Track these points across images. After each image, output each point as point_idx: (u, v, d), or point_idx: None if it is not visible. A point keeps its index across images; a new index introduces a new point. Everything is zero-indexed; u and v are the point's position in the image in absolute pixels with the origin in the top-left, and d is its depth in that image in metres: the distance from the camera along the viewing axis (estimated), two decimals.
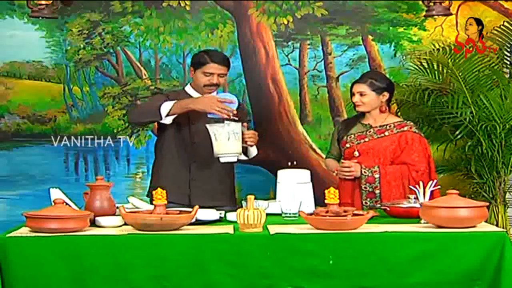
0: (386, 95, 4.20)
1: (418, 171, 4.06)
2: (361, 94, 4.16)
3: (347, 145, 4.22)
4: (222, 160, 3.94)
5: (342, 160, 4.18)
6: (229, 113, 3.91)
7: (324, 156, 5.38)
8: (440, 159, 5.18)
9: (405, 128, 4.18)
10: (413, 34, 5.46)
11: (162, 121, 3.98)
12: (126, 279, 3.07)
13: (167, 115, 3.94)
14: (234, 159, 3.95)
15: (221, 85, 4.20)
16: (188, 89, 4.24)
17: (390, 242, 3.13)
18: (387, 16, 5.45)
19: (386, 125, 4.20)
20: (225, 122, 3.89)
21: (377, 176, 4.06)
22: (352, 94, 4.21)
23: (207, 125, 3.94)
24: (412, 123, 4.25)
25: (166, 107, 3.94)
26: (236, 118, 3.96)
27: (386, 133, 4.18)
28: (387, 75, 5.28)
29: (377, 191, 4.06)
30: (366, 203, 4.09)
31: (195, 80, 4.19)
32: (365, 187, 4.08)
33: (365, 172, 4.07)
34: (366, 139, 4.19)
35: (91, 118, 5.49)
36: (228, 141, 3.88)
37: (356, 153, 4.17)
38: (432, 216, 3.23)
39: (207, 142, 3.96)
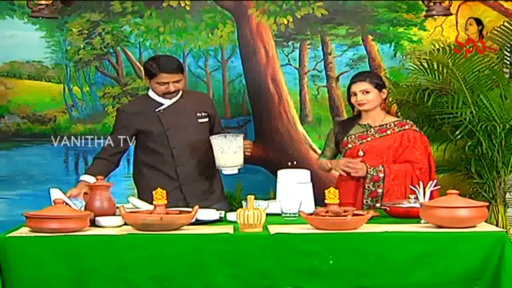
0: (385, 92, 4.21)
1: (421, 169, 4.08)
2: (364, 92, 4.16)
3: (349, 146, 4.21)
4: (225, 172, 4.00)
5: (349, 159, 4.14)
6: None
7: None
8: (440, 159, 5.18)
9: (406, 127, 4.20)
10: (413, 34, 5.45)
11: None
12: (126, 279, 3.07)
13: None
14: (236, 171, 4.02)
15: (180, 89, 4.18)
16: (152, 94, 4.24)
17: (390, 242, 3.13)
18: (387, 16, 5.45)
19: (386, 124, 4.21)
20: (232, 136, 3.96)
21: (381, 175, 4.06)
22: (353, 94, 4.21)
23: (212, 138, 3.97)
24: (411, 122, 4.26)
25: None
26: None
27: (388, 132, 4.18)
28: (387, 75, 5.31)
29: (380, 190, 4.06)
30: (367, 202, 4.09)
31: (153, 89, 4.18)
32: (368, 187, 4.08)
33: (370, 171, 4.06)
34: (369, 139, 4.19)
35: (91, 118, 5.49)
36: (234, 154, 3.95)
37: (361, 153, 4.16)
38: (432, 216, 3.23)
39: (186, 146, 4.10)
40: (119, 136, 4.19)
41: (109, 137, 4.26)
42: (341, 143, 4.27)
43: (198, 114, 4.23)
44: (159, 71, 4.07)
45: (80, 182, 3.97)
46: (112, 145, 4.20)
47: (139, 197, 4.14)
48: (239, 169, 4.03)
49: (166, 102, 4.20)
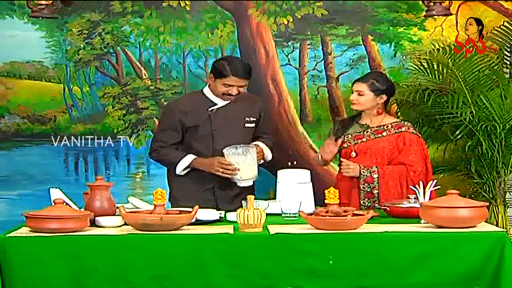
0: (384, 97, 4.21)
1: (415, 172, 4.07)
2: (359, 94, 4.18)
3: (344, 145, 4.24)
4: (241, 184, 4.03)
5: (341, 159, 4.18)
6: (232, 173, 4.01)
7: None
8: (440, 159, 5.18)
9: (403, 129, 4.19)
10: (413, 34, 5.45)
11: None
12: (126, 279, 3.07)
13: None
14: (251, 183, 4.06)
15: (240, 92, 4.15)
16: (207, 92, 4.20)
17: (390, 242, 3.13)
18: (387, 16, 5.45)
19: (384, 125, 4.21)
20: (244, 148, 3.98)
21: (375, 176, 4.06)
22: (352, 92, 4.23)
23: (227, 153, 3.98)
24: (409, 124, 4.26)
25: (181, 166, 4.13)
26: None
27: (384, 134, 4.19)
28: (387, 75, 5.30)
29: (376, 191, 4.06)
30: (364, 203, 4.09)
31: (213, 88, 4.14)
32: (363, 187, 4.09)
33: (363, 172, 4.07)
34: (364, 139, 4.20)
35: (91, 118, 5.49)
36: (250, 167, 4.00)
37: (353, 154, 4.17)
38: (432, 216, 3.23)
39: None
40: (168, 134, 4.18)
41: (157, 136, 4.26)
42: None
43: (247, 119, 4.22)
44: (231, 73, 4.05)
45: (192, 160, 4.10)
46: (164, 142, 4.20)
47: (170, 197, 4.17)
48: (253, 181, 4.06)
49: (220, 103, 4.18)
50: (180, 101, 4.38)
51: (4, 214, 5.30)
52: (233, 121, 4.17)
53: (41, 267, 3.05)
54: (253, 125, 4.25)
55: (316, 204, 3.80)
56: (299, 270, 3.10)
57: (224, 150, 3.99)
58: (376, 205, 3.98)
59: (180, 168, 4.13)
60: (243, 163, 3.97)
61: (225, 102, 4.17)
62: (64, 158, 5.47)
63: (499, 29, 5.31)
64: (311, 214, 3.32)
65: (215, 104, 4.17)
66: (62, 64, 5.44)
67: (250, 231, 3.18)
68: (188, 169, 4.15)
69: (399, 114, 5.09)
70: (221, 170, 4.01)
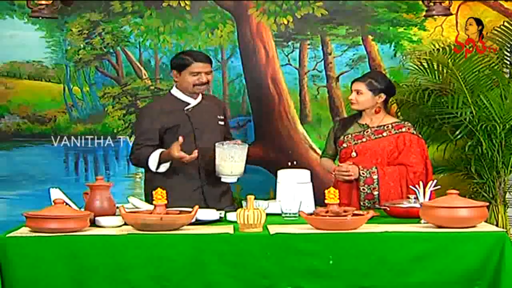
0: (383, 96, 4.20)
1: (415, 173, 4.07)
2: (358, 93, 4.18)
3: (344, 145, 4.23)
4: (226, 180, 4.01)
5: (340, 164, 4.17)
6: (192, 158, 3.97)
7: None
8: (440, 159, 5.18)
9: (403, 130, 4.19)
10: (413, 34, 5.46)
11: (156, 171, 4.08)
12: (126, 279, 3.07)
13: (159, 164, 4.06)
14: (236, 180, 4.05)
15: (209, 82, 4.18)
16: (175, 92, 4.21)
17: (390, 242, 3.13)
18: (387, 16, 5.45)
19: (384, 125, 4.20)
20: (238, 145, 3.98)
21: (375, 177, 4.06)
22: (351, 92, 4.24)
23: (223, 147, 3.96)
24: (409, 124, 4.25)
25: (152, 161, 4.03)
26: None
27: (384, 134, 4.18)
28: (387, 75, 5.30)
29: (376, 193, 4.06)
30: (364, 204, 4.08)
31: (182, 82, 4.14)
32: (363, 189, 4.08)
33: (363, 173, 4.07)
34: (364, 140, 4.19)
35: (91, 118, 5.49)
36: (242, 163, 3.99)
37: (354, 154, 4.17)
38: (432, 216, 3.23)
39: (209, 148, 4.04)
40: (146, 137, 4.11)
41: (135, 141, 4.18)
42: (338, 142, 4.28)
43: (219, 117, 4.26)
44: (194, 60, 4.09)
45: (160, 152, 4.01)
46: (140, 145, 4.14)
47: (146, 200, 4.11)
48: (238, 178, 4.05)
49: (192, 102, 4.18)
50: (155, 105, 4.36)
51: (4, 214, 5.30)
52: (209, 119, 4.19)
53: (41, 267, 3.05)
54: (223, 123, 4.29)
55: (316, 204, 3.80)
56: (299, 270, 3.10)
57: (217, 144, 3.99)
58: (377, 205, 3.97)
59: (152, 164, 4.05)
60: (238, 157, 3.96)
61: (197, 101, 4.19)
62: (64, 158, 5.47)
63: (499, 29, 5.31)
64: (311, 214, 3.32)
65: (188, 104, 4.18)
66: (62, 64, 5.45)
67: (250, 231, 3.19)
68: (166, 165, 4.07)
69: (399, 114, 5.09)
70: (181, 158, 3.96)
